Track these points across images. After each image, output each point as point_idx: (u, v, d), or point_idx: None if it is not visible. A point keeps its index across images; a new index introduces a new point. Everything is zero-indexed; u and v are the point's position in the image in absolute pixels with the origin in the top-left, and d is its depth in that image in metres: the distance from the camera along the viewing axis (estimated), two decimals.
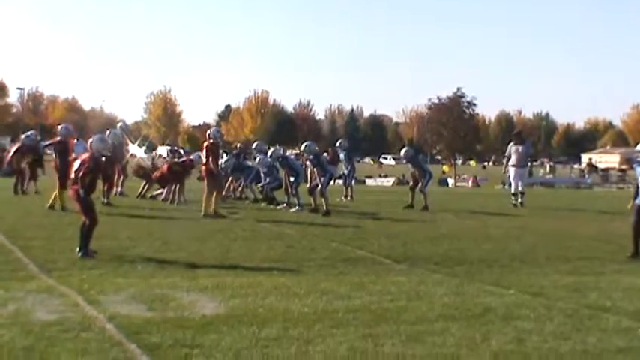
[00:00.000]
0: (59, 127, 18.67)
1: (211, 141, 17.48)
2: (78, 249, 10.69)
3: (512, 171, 22.59)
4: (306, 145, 19.65)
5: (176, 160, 21.41)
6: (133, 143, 46.61)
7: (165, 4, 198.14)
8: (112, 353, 5.86)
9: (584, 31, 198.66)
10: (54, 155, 18.02)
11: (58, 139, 17.82)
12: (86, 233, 10.80)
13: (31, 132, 23.99)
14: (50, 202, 16.89)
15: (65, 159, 16.89)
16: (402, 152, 21.27)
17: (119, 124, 22.34)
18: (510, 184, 23.48)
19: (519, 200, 22.26)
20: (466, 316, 7.51)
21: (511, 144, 22.84)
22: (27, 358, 5.72)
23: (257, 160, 20.88)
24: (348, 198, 22.87)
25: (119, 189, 20.90)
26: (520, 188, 22.46)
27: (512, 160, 22.52)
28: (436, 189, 26.24)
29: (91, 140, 11.59)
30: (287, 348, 6.16)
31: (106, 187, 18.46)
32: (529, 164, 22.89)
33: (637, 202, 12.48)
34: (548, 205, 22.36)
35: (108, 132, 19.50)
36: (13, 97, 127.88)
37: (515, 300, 8.44)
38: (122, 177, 21.30)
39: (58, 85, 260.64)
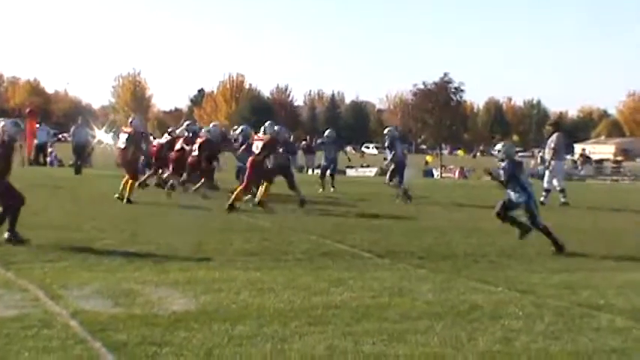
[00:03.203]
0: None
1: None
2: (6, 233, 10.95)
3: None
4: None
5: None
6: (99, 129, 46.30)
7: None
8: (76, 351, 5.82)
9: (578, 15, 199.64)
10: None
11: None
12: (12, 216, 11.02)
13: None
14: None
15: None
16: (386, 131, 21.38)
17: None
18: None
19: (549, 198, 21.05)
20: (451, 314, 7.53)
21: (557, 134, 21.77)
22: None
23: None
24: (332, 189, 22.85)
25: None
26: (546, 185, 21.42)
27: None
28: (421, 180, 26.26)
29: (2, 124, 11.56)
30: (262, 346, 6.15)
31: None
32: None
33: None
34: (539, 198, 22.36)
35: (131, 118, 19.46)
36: None
37: (503, 297, 8.47)
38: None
39: (20, 66, 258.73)
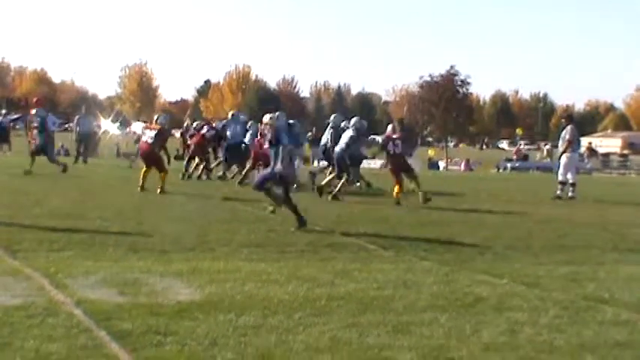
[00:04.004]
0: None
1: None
2: None
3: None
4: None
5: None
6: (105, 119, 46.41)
7: None
8: (80, 340, 5.82)
9: (585, 7, 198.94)
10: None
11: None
12: None
13: None
14: None
15: None
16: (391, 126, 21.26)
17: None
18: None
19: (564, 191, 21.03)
20: (456, 307, 7.52)
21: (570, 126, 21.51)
22: None
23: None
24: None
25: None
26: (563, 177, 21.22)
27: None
28: (426, 172, 26.28)
29: None
30: (266, 337, 6.14)
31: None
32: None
33: None
34: (545, 191, 22.35)
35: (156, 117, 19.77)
36: None
37: (508, 290, 8.46)
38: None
39: (27, 56, 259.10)
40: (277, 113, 13.63)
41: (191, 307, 6.99)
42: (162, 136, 18.54)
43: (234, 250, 10.34)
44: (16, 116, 41.49)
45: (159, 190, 17.49)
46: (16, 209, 13.27)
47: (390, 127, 18.84)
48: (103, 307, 6.83)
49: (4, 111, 39.55)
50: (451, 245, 11.69)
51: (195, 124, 23.65)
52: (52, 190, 17.20)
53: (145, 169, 18.22)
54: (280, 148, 12.75)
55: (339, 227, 12.93)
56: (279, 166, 12.72)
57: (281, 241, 11.25)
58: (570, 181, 20.96)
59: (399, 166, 18.07)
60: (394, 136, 18.12)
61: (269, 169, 13.09)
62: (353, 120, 19.86)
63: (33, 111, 21.71)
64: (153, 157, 18.35)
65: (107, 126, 47.62)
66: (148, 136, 18.58)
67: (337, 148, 19.20)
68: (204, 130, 23.14)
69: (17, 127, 33.74)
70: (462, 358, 5.92)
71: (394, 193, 17.55)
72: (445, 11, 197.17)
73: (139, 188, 17.61)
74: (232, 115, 24.14)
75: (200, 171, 22.68)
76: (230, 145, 22.66)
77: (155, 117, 19.97)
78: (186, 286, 7.92)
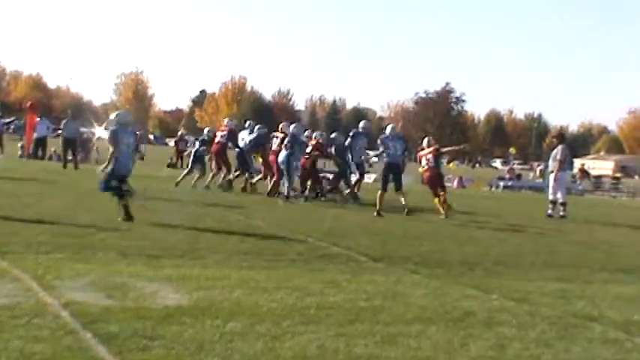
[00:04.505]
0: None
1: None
2: None
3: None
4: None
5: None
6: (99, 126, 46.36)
7: None
8: (66, 342, 5.78)
9: (581, 30, 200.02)
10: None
11: None
12: None
13: None
14: None
15: None
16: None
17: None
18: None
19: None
20: (445, 320, 7.50)
21: (562, 146, 21.50)
22: None
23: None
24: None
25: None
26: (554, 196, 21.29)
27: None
28: (419, 187, 26.26)
29: None
30: (253, 343, 6.11)
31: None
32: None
33: None
34: (537, 210, 22.37)
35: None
36: None
37: (497, 305, 8.43)
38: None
39: (22, 60, 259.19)
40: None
41: (178, 312, 6.95)
42: (232, 136, 22.19)
43: (224, 258, 10.29)
44: (9, 120, 41.45)
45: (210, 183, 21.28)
46: (7, 211, 13.20)
47: (425, 141, 19.22)
48: (90, 309, 6.79)
49: None
50: (441, 259, 11.67)
51: (207, 131, 23.37)
52: (43, 193, 17.15)
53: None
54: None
55: (331, 238, 12.90)
56: None
57: (271, 251, 11.22)
58: (560, 201, 20.98)
59: (436, 180, 18.86)
60: (428, 150, 18.63)
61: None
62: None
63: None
64: (222, 155, 21.99)
65: (100, 133, 47.53)
66: (220, 136, 22.28)
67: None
68: (218, 137, 22.82)
69: (10, 130, 33.64)
70: None
71: (439, 206, 18.30)
72: (442, 28, 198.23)
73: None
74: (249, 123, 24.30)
75: (222, 178, 22.42)
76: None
77: (225, 120, 23.68)
78: (175, 291, 7.88)
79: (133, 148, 14.24)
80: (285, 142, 20.05)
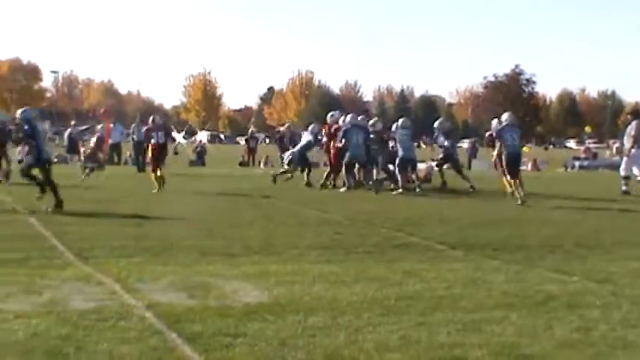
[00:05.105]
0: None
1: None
2: None
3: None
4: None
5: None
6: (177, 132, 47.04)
7: None
8: (152, 342, 5.90)
9: None
10: None
11: None
12: None
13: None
14: None
15: None
16: (436, 124, 21.36)
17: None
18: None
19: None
20: (527, 304, 7.43)
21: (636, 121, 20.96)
22: (63, 348, 5.76)
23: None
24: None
25: None
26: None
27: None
28: (492, 172, 25.95)
29: None
30: (335, 336, 6.15)
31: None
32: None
33: None
34: (614, 188, 21.91)
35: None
36: (47, 81, 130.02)
37: (579, 287, 8.33)
38: None
39: (94, 68, 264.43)
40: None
41: (260, 308, 7.02)
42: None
43: (301, 253, 10.34)
44: (84, 127, 42.28)
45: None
46: (86, 216, 13.48)
47: (494, 121, 19.70)
48: (173, 310, 6.91)
49: (73, 122, 40.25)
50: (520, 244, 11.53)
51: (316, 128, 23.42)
52: (119, 198, 17.43)
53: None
54: None
55: (406, 228, 12.86)
56: None
57: (348, 244, 11.23)
58: (638, 178, 20.55)
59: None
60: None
61: None
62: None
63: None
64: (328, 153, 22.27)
65: (178, 138, 48.09)
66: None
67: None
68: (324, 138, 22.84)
69: (85, 137, 34.26)
70: (535, 355, 5.84)
71: (510, 192, 17.97)
72: (509, 9, 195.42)
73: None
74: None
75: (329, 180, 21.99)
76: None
77: (311, 126, 23.55)
78: (255, 288, 7.96)
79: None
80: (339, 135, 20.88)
